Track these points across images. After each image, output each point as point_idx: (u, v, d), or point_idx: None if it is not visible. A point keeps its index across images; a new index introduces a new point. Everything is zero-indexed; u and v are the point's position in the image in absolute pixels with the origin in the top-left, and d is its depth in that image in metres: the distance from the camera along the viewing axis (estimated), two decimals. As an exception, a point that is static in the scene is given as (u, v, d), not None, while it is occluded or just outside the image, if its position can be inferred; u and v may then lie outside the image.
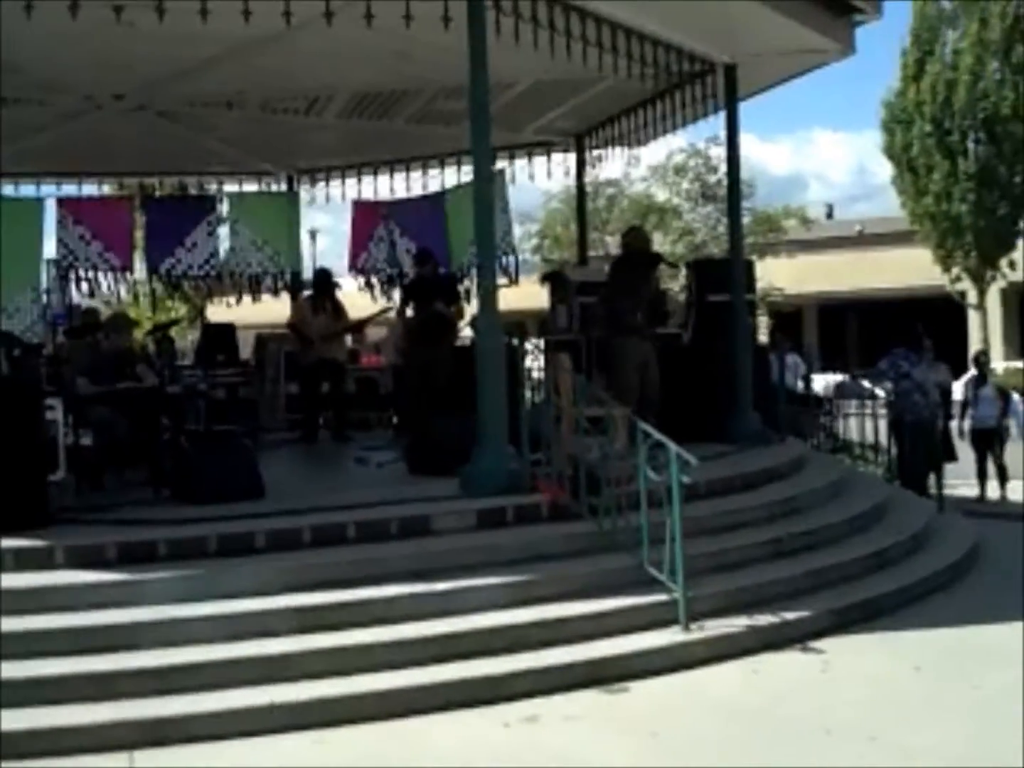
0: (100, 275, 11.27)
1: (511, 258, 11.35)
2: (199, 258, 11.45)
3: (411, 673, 4.68)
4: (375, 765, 4.11)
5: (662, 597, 5.30)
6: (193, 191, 12.61)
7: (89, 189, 12.20)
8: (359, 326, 10.30)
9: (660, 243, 25.90)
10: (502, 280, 10.95)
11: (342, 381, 9.88)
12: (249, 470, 6.48)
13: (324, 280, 10.17)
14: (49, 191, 11.63)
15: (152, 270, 11.45)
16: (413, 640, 4.86)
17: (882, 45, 32.05)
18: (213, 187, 12.77)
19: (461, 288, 10.06)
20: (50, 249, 11.27)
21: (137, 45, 7.33)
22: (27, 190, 11.72)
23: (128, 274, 11.48)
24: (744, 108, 8.83)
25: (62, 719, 4.25)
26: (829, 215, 37.14)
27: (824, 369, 15.73)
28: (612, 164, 12.35)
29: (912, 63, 25.05)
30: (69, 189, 11.77)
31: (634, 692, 4.77)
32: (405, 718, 4.45)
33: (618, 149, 10.85)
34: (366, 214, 12.09)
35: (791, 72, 9.14)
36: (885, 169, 25.95)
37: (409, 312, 9.17)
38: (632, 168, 22.31)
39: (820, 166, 75.54)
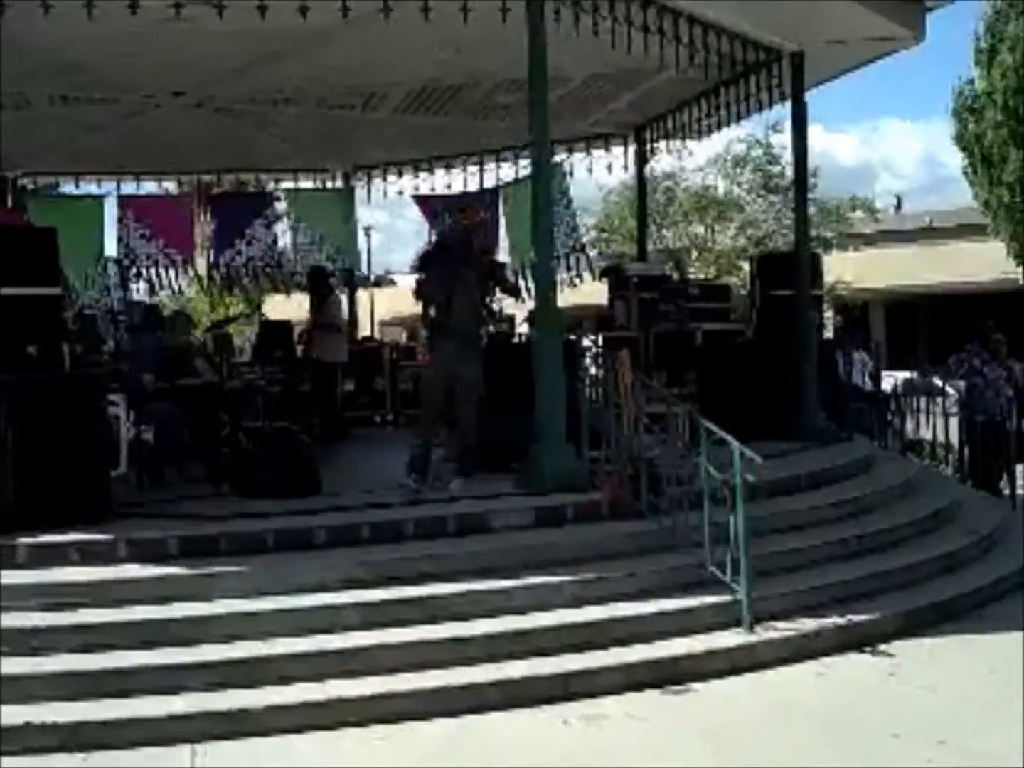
0: (161, 271, 11.50)
1: (580, 256, 11.27)
2: (258, 250, 11.67)
3: (470, 671, 4.64)
4: (436, 764, 4.08)
5: (725, 598, 5.19)
6: (251, 188, 12.76)
7: (149, 186, 12.42)
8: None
9: (721, 236, 25.51)
10: (576, 279, 10.98)
11: (320, 379, 9.52)
12: (307, 466, 6.50)
13: (310, 279, 10.16)
14: (109, 188, 11.88)
15: (213, 264, 11.64)
16: (473, 638, 4.82)
17: (954, 31, 31.24)
18: (271, 185, 12.91)
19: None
20: (111, 247, 11.55)
21: (196, 42, 7.37)
22: (88, 188, 11.96)
23: (189, 267, 11.69)
24: (810, 97, 8.63)
25: (126, 711, 4.27)
26: (898, 207, 36.33)
27: (892, 366, 15.33)
28: (667, 157, 12.22)
29: (985, 49, 24.35)
30: (129, 187, 11.94)
31: (697, 693, 4.68)
32: (464, 715, 4.42)
33: (676, 141, 10.69)
34: (432, 210, 12.10)
35: (860, 60, 8.90)
36: (956, 159, 25.22)
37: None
38: (686, 161, 21.89)
39: (889, 156, 73.95)
